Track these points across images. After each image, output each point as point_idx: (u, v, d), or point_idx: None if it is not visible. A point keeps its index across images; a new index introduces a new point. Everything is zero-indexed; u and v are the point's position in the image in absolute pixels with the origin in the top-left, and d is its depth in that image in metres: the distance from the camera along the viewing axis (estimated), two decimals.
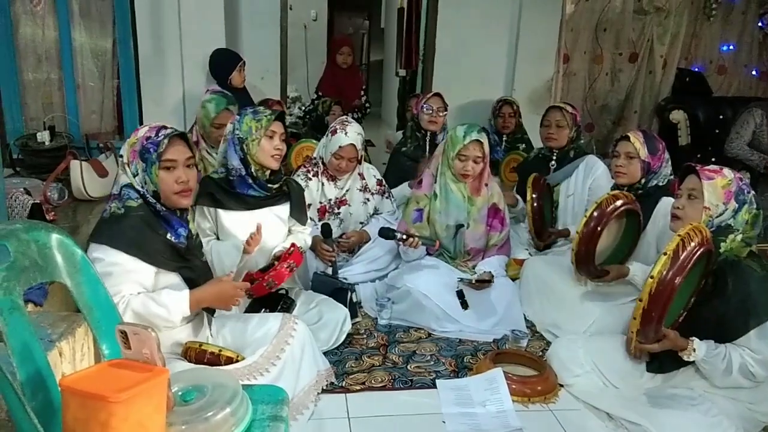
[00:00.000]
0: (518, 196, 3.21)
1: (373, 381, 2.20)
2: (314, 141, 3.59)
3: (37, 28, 4.00)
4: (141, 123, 3.74)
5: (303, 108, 4.67)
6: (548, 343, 2.46)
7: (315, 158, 2.99)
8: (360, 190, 3.01)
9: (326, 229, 2.71)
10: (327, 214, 2.94)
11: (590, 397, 2.10)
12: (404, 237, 2.55)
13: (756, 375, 1.82)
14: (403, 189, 3.35)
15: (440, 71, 4.48)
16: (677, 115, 4.87)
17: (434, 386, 2.18)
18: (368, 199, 3.04)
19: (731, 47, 5.28)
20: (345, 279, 2.78)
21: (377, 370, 2.28)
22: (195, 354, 1.73)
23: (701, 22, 5.12)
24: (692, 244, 1.74)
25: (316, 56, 6.49)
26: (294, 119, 4.91)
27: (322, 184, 2.93)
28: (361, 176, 3.03)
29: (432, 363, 2.35)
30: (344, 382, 2.17)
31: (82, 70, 4.13)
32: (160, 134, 1.69)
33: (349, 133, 2.81)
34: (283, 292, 2.31)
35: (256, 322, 1.94)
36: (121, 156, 1.74)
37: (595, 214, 2.27)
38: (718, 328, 1.86)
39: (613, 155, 2.57)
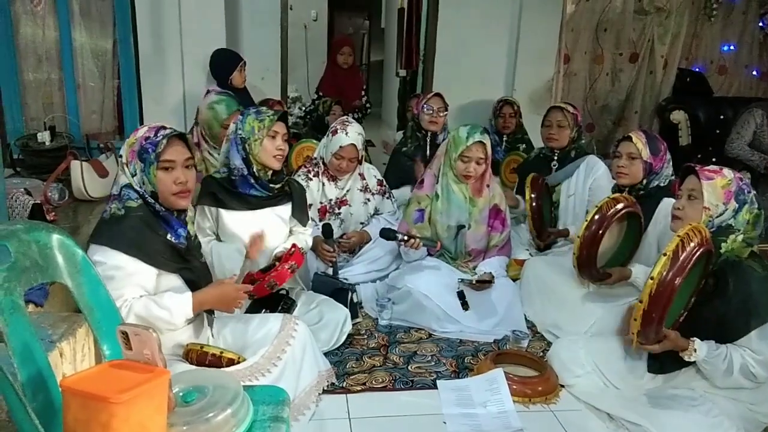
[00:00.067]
0: (519, 197, 3.20)
1: (373, 381, 2.20)
2: (314, 141, 3.59)
3: (37, 28, 4.00)
4: (141, 123, 3.73)
5: (303, 108, 4.67)
6: (549, 344, 2.46)
7: (315, 158, 2.98)
8: (360, 191, 3.01)
9: (327, 230, 2.71)
10: (327, 214, 2.94)
11: (591, 397, 2.10)
12: (405, 238, 2.55)
13: (757, 375, 1.81)
14: (404, 192, 3.34)
15: (440, 71, 4.48)
16: (678, 116, 4.87)
17: (435, 387, 2.18)
18: (369, 200, 3.04)
19: (732, 47, 5.28)
20: (345, 279, 2.77)
21: (378, 370, 2.27)
22: (196, 356, 1.73)
23: (702, 22, 5.12)
24: (692, 244, 1.74)
25: (316, 56, 6.49)
26: (294, 119, 4.91)
27: (323, 184, 2.93)
28: (362, 176, 3.02)
29: (433, 363, 2.35)
30: (345, 383, 2.17)
31: (82, 70, 4.13)
32: (158, 134, 1.68)
33: (350, 133, 2.81)
34: (283, 292, 2.31)
35: (257, 323, 1.94)
36: (121, 156, 1.73)
37: (596, 217, 2.27)
38: (719, 328, 1.86)
39: (614, 155, 2.57)
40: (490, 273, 2.64)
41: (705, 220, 1.89)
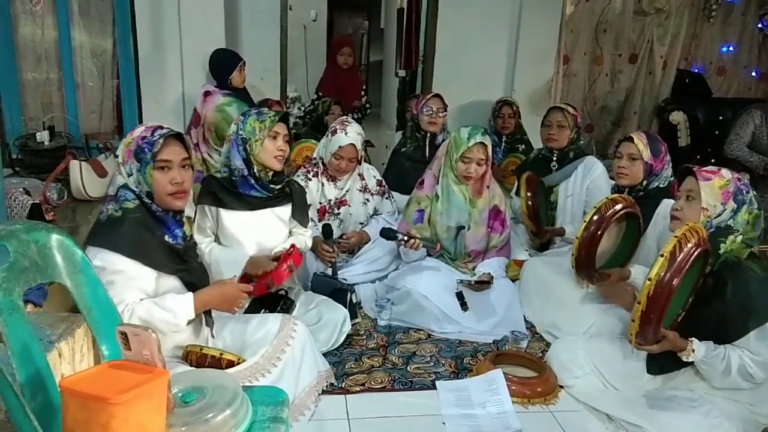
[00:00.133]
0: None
1: (372, 382, 2.20)
2: (314, 141, 3.59)
3: (36, 27, 4.00)
4: (141, 123, 3.73)
5: (302, 108, 4.67)
6: (548, 345, 2.46)
7: (315, 158, 2.98)
8: (360, 191, 3.01)
9: (327, 230, 2.70)
10: (327, 214, 2.93)
11: (590, 398, 2.10)
12: (405, 238, 2.55)
13: (755, 376, 1.81)
14: (403, 198, 3.33)
15: (440, 72, 4.48)
16: (677, 116, 4.88)
17: (434, 387, 2.18)
18: (368, 200, 3.04)
19: (731, 48, 5.28)
20: (345, 280, 2.77)
21: (377, 371, 2.27)
22: (196, 358, 1.72)
23: (701, 23, 5.13)
24: (689, 245, 1.73)
25: (315, 56, 6.48)
26: (293, 119, 4.91)
27: (322, 184, 2.93)
28: (361, 177, 3.02)
29: (432, 364, 2.35)
30: (344, 383, 2.17)
31: (81, 69, 4.13)
32: (155, 134, 1.67)
33: (349, 133, 2.81)
34: (282, 292, 2.31)
35: (256, 323, 1.94)
36: (117, 156, 1.72)
37: (595, 218, 2.27)
38: (718, 329, 1.86)
39: (615, 156, 2.57)
40: (489, 274, 2.64)
41: (703, 221, 1.89)
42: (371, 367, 2.30)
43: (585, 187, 3.04)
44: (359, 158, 2.94)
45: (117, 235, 1.61)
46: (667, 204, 2.34)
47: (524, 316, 2.71)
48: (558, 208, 3.13)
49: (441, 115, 3.43)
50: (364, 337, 2.52)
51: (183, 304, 1.67)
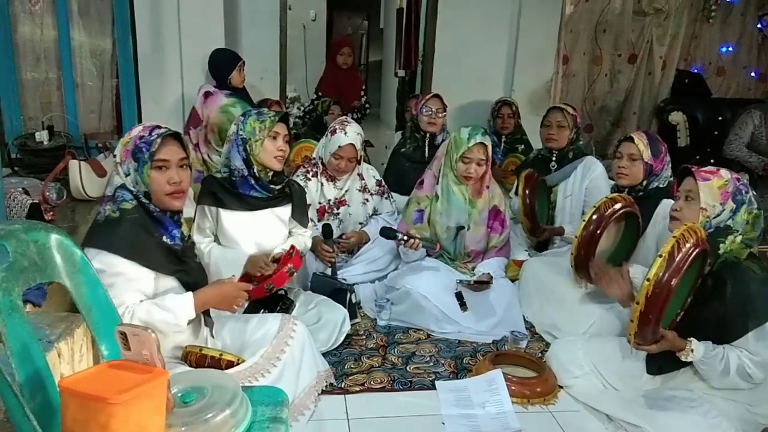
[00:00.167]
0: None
1: (372, 382, 2.20)
2: (313, 141, 3.59)
3: (35, 27, 4.00)
4: (140, 123, 3.73)
5: (302, 108, 4.67)
6: (547, 345, 2.46)
7: (314, 158, 2.98)
8: (359, 191, 3.01)
9: (327, 230, 2.70)
10: (326, 214, 2.93)
11: (590, 398, 2.10)
12: (405, 238, 2.55)
13: (753, 376, 1.81)
14: (403, 200, 3.33)
15: (439, 72, 4.48)
16: (676, 117, 4.88)
17: (434, 387, 2.18)
18: (367, 200, 3.04)
19: (730, 49, 5.28)
20: (344, 280, 2.77)
21: (376, 371, 2.27)
22: (195, 358, 1.72)
23: (700, 23, 5.13)
24: (687, 245, 1.73)
25: (315, 56, 6.48)
26: (293, 119, 4.91)
27: (322, 184, 2.93)
28: (361, 177, 3.02)
29: (431, 364, 2.35)
30: (343, 383, 2.17)
31: (80, 69, 4.13)
32: (153, 134, 1.66)
33: (349, 133, 2.81)
34: (282, 292, 2.30)
35: (256, 323, 1.94)
36: (115, 156, 1.71)
37: (594, 217, 2.27)
38: (717, 329, 1.85)
39: (615, 156, 2.57)
40: (489, 274, 2.64)
41: (702, 221, 1.89)
42: (371, 367, 2.30)
43: (584, 187, 3.04)
44: (358, 158, 2.93)
45: (114, 236, 1.60)
46: (666, 204, 2.34)
47: (524, 317, 2.71)
48: (557, 208, 3.13)
49: (440, 115, 3.42)
50: (364, 337, 2.52)
51: (183, 304, 1.67)
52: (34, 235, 1.24)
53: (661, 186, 2.49)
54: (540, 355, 2.41)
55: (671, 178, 2.51)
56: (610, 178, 2.90)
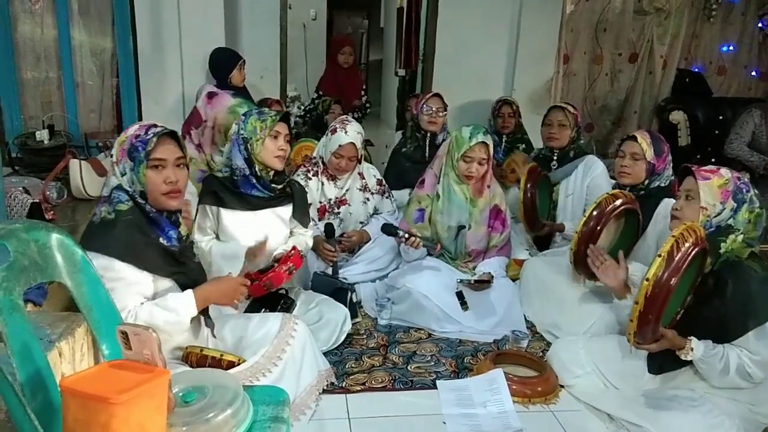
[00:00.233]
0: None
1: (373, 381, 2.19)
2: (314, 140, 3.58)
3: (35, 26, 3.99)
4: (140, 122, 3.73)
5: (302, 107, 4.67)
6: (548, 344, 2.46)
7: (315, 158, 2.98)
8: (360, 190, 3.01)
9: (329, 229, 2.70)
10: (327, 213, 2.93)
11: (591, 398, 2.10)
12: (406, 235, 2.55)
13: (753, 376, 1.81)
14: (403, 195, 3.34)
15: (440, 71, 4.48)
16: (677, 116, 4.87)
17: (435, 387, 2.18)
18: (368, 199, 3.03)
19: (731, 48, 5.28)
20: (345, 279, 2.77)
21: (377, 370, 2.27)
22: (196, 359, 1.71)
23: (701, 22, 5.13)
24: (686, 244, 1.73)
25: (315, 55, 6.48)
26: (293, 119, 4.91)
27: (322, 183, 2.92)
28: (361, 176, 3.02)
29: (432, 363, 2.34)
30: (344, 383, 2.16)
31: (81, 68, 4.13)
32: (149, 132, 1.64)
33: (349, 132, 2.80)
34: (283, 292, 2.30)
35: (256, 323, 1.93)
36: (111, 155, 1.70)
37: (594, 213, 2.27)
38: (718, 328, 1.85)
39: (617, 155, 2.57)
40: (489, 273, 2.63)
41: (703, 220, 1.88)
42: (372, 366, 2.30)
43: (585, 186, 3.04)
44: (359, 157, 2.93)
45: (110, 238, 1.58)
46: (667, 203, 2.34)
47: (525, 316, 2.71)
48: (559, 207, 3.13)
49: (441, 114, 3.42)
50: (365, 336, 2.52)
51: (184, 302, 1.66)
52: (34, 234, 1.24)
53: (662, 185, 2.49)
54: (541, 354, 2.40)
55: (672, 177, 2.51)
56: (612, 177, 2.90)
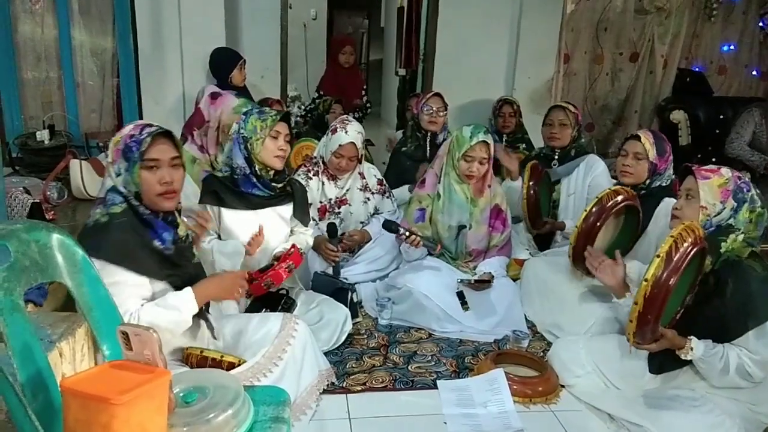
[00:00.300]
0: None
1: (374, 381, 2.19)
2: (315, 140, 3.58)
3: (36, 26, 3.99)
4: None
5: (302, 107, 4.67)
6: (549, 344, 2.46)
7: (315, 157, 2.98)
8: (360, 190, 3.01)
9: (332, 229, 2.70)
10: (327, 213, 2.93)
11: (592, 398, 2.09)
12: (407, 233, 2.55)
13: (753, 375, 1.81)
14: (402, 192, 3.34)
15: (440, 71, 4.48)
16: (678, 115, 4.87)
17: (435, 387, 2.18)
18: (369, 199, 3.03)
19: (732, 47, 5.28)
20: (345, 279, 2.77)
21: (378, 370, 2.27)
22: (196, 360, 1.71)
23: (702, 22, 5.12)
24: (685, 244, 1.72)
25: (315, 55, 6.49)
26: (294, 118, 4.92)
27: (323, 183, 2.92)
28: (362, 175, 3.02)
29: (433, 363, 2.34)
30: (345, 383, 2.16)
31: (81, 68, 4.13)
32: (143, 132, 1.62)
33: (350, 132, 2.80)
34: (283, 292, 2.30)
35: (257, 323, 1.93)
36: (107, 156, 1.68)
37: (595, 209, 2.27)
38: (718, 327, 1.85)
39: (620, 154, 2.57)
40: (490, 273, 2.63)
41: (703, 220, 1.88)
42: (372, 366, 2.30)
43: (587, 185, 3.04)
44: (359, 157, 2.93)
45: (103, 242, 1.56)
46: (668, 203, 2.34)
47: (525, 316, 2.71)
48: (560, 206, 3.13)
49: (441, 114, 3.42)
50: (365, 336, 2.52)
51: (185, 299, 1.65)
52: (35, 234, 1.24)
53: (663, 185, 2.49)
54: (542, 354, 2.40)
55: (673, 177, 2.51)
56: (613, 176, 2.90)
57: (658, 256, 1.73)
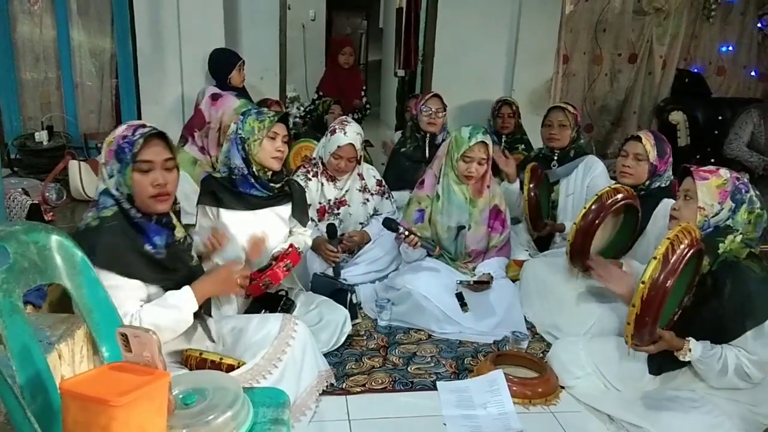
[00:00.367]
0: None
1: (373, 383, 2.19)
2: (314, 141, 3.58)
3: (34, 26, 3.99)
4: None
5: (301, 108, 4.67)
6: (549, 345, 2.46)
7: (314, 158, 2.98)
8: (359, 191, 3.00)
9: (331, 230, 2.70)
10: (326, 214, 2.93)
11: (591, 399, 2.09)
12: (406, 232, 2.54)
13: (752, 376, 1.81)
14: (403, 196, 3.33)
15: (439, 71, 4.48)
16: (676, 116, 4.88)
17: (435, 388, 2.18)
18: (368, 200, 3.03)
19: (730, 48, 5.28)
20: (345, 280, 2.77)
21: (377, 371, 2.27)
22: (196, 362, 1.71)
23: (700, 22, 5.13)
24: (681, 246, 1.72)
25: (314, 56, 6.49)
26: (293, 119, 4.91)
27: (322, 184, 2.92)
28: (361, 176, 3.02)
29: (432, 365, 2.34)
30: (344, 384, 2.16)
31: (80, 69, 4.13)
32: (136, 133, 1.58)
33: (348, 133, 2.80)
34: (282, 293, 2.30)
35: (257, 324, 1.93)
36: (100, 157, 1.66)
37: (594, 207, 2.27)
38: (716, 328, 1.85)
39: (620, 155, 2.57)
40: (489, 274, 2.63)
41: (700, 221, 1.88)
42: (372, 367, 2.29)
43: (585, 186, 3.04)
44: (358, 158, 2.93)
45: (93, 247, 1.52)
46: (667, 203, 2.34)
47: (525, 317, 2.71)
48: (559, 207, 3.13)
49: (440, 115, 3.42)
50: (365, 337, 2.52)
51: (185, 298, 1.65)
52: (34, 236, 1.23)
53: (662, 185, 2.49)
54: (541, 355, 2.40)
55: (672, 178, 2.51)
56: (613, 177, 2.90)
57: (654, 258, 1.72)
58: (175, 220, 1.76)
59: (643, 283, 1.71)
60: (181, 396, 1.22)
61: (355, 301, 2.66)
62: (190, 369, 1.71)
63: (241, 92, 3.66)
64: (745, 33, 5.25)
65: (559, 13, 4.52)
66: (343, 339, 2.38)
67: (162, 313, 1.61)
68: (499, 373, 2.14)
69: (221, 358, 1.74)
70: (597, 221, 2.25)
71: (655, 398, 1.98)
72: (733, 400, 1.89)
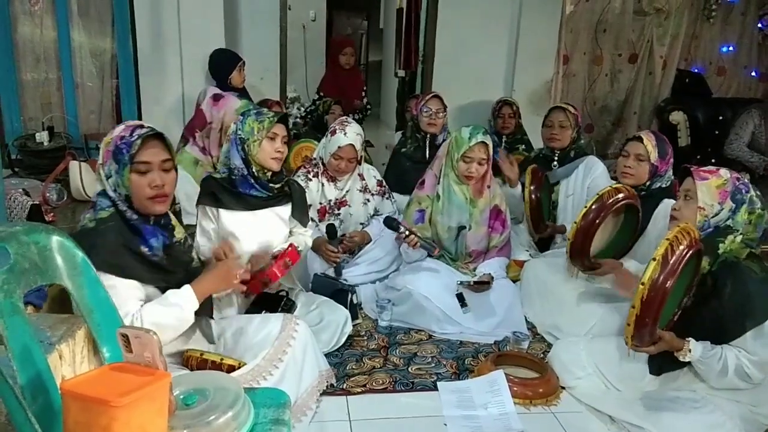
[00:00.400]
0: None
1: (374, 383, 2.19)
2: (314, 141, 3.58)
3: (35, 27, 3.99)
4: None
5: (301, 108, 4.68)
6: (549, 345, 2.46)
7: (315, 159, 2.98)
8: (360, 191, 3.00)
9: (332, 230, 2.70)
10: (327, 215, 2.93)
11: (592, 399, 2.09)
12: (407, 232, 2.54)
13: (752, 376, 1.81)
14: (404, 200, 3.33)
15: (440, 72, 4.49)
16: (677, 117, 4.88)
17: (435, 388, 2.18)
18: (368, 200, 3.03)
19: (731, 48, 5.28)
20: (345, 280, 2.77)
21: (378, 372, 2.27)
22: (196, 363, 1.71)
23: (701, 23, 5.13)
24: (681, 247, 1.72)
25: (314, 56, 6.49)
26: (293, 119, 4.92)
27: (322, 184, 2.92)
28: (361, 177, 3.02)
29: (433, 365, 2.34)
30: (345, 385, 2.16)
31: (80, 69, 4.13)
32: (134, 134, 1.58)
33: (348, 134, 2.80)
34: (283, 293, 2.30)
35: (257, 324, 1.93)
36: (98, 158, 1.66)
37: (595, 206, 2.26)
38: (716, 329, 1.85)
39: (621, 155, 2.57)
40: (489, 274, 2.63)
41: (700, 221, 1.88)
42: (372, 368, 2.29)
43: (586, 186, 3.04)
44: (359, 158, 2.93)
45: (90, 248, 1.48)
46: (667, 203, 2.34)
47: (525, 317, 2.71)
48: (559, 207, 3.13)
49: (440, 115, 3.42)
50: (365, 338, 2.52)
51: (185, 296, 1.65)
52: (35, 236, 1.23)
53: (663, 186, 2.49)
54: (542, 355, 2.40)
55: (673, 178, 2.51)
56: (613, 177, 2.90)
57: (654, 259, 1.72)
58: (174, 221, 1.75)
59: (642, 284, 1.71)
60: (182, 396, 1.22)
61: (355, 301, 2.65)
62: (191, 369, 1.71)
63: (242, 93, 3.66)
64: (746, 33, 5.25)
65: (559, 14, 4.52)
66: (343, 339, 2.38)
67: (163, 312, 1.60)
68: (499, 373, 2.14)
69: (222, 359, 1.74)
70: (598, 221, 2.25)
71: (655, 399, 1.98)
72: (734, 401, 1.89)
